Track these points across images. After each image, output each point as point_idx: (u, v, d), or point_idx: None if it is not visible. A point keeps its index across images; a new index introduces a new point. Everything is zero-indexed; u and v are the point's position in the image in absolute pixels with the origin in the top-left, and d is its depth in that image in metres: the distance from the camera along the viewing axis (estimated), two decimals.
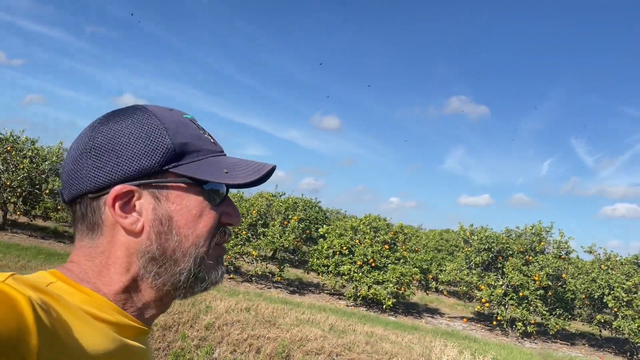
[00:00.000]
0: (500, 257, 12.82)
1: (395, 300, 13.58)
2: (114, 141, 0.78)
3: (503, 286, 12.12)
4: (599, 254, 13.47)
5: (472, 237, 13.07)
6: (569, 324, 12.44)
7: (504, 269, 12.34)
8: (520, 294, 11.78)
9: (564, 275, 12.05)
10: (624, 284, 12.18)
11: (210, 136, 0.89)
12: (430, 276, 13.58)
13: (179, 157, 0.80)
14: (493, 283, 12.26)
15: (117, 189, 0.77)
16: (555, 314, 12.50)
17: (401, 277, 11.94)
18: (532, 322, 11.91)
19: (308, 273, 13.59)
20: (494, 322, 12.52)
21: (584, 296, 12.80)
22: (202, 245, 0.81)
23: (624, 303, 12.12)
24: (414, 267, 12.27)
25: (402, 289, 12.10)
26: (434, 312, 14.44)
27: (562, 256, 12.60)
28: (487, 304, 12.14)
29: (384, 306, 11.75)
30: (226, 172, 0.82)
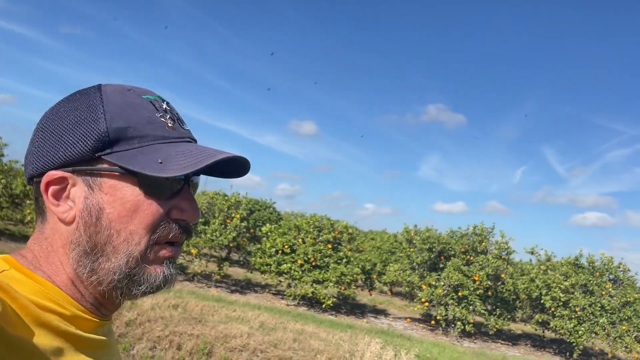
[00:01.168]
0: (442, 257, 12.90)
1: (340, 300, 13.55)
2: (55, 124, 0.74)
3: (445, 286, 12.18)
4: (539, 255, 13.68)
5: (416, 237, 13.13)
6: (509, 324, 12.57)
7: (446, 269, 12.42)
8: (460, 293, 11.86)
9: (502, 276, 12.18)
10: (561, 284, 12.38)
11: (172, 120, 0.79)
12: (374, 276, 13.57)
13: (112, 144, 0.73)
14: (434, 283, 12.31)
15: (49, 174, 0.73)
16: (496, 314, 12.63)
17: (342, 277, 11.90)
18: (472, 321, 11.99)
19: (252, 272, 13.45)
20: (433, 322, 12.58)
21: (524, 296, 12.97)
22: (136, 243, 0.73)
23: (561, 303, 12.32)
24: (356, 267, 12.25)
25: (342, 288, 12.06)
26: (380, 312, 14.44)
27: (503, 257, 12.75)
28: (426, 304, 12.18)
29: (324, 305, 11.68)
30: (160, 163, 0.72)
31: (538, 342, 14.04)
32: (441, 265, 12.81)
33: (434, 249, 12.73)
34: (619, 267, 13.50)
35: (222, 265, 11.83)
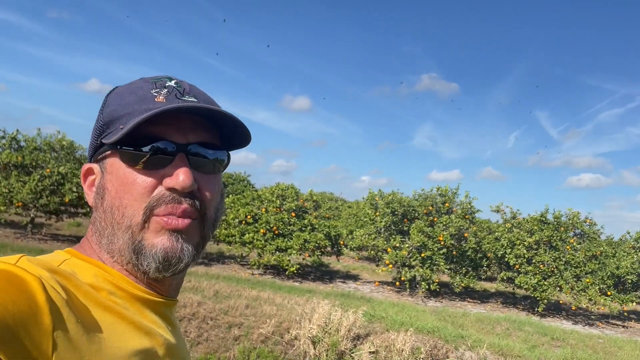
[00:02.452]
0: (406, 220, 12.90)
1: (312, 267, 13.58)
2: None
3: (409, 248, 12.20)
4: (505, 213, 13.69)
5: (380, 201, 13.10)
6: (475, 282, 12.64)
7: (410, 231, 12.42)
8: (423, 254, 11.89)
9: (465, 234, 12.20)
10: (525, 241, 12.42)
11: (169, 92, 0.78)
12: (342, 242, 13.58)
13: (106, 127, 0.77)
14: (399, 245, 12.33)
15: (83, 167, 0.82)
16: (461, 272, 12.70)
17: (305, 244, 11.89)
18: (436, 281, 12.06)
19: (218, 244, 13.44)
20: (397, 284, 12.65)
21: (490, 255, 13.03)
22: (131, 215, 0.73)
23: (525, 260, 12.38)
24: (320, 234, 12.23)
25: (306, 255, 12.06)
26: (351, 278, 14.49)
27: (467, 216, 12.75)
28: (390, 266, 12.22)
29: (287, 272, 11.70)
30: (121, 128, 0.73)
31: (510, 300, 14.17)
32: (405, 228, 12.81)
33: (397, 212, 12.71)
34: (585, 222, 13.54)
35: None
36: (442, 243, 11.97)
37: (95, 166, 0.80)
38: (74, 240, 13.06)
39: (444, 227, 12.24)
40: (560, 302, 12.22)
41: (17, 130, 12.35)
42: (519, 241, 12.42)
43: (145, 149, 0.74)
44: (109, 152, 0.77)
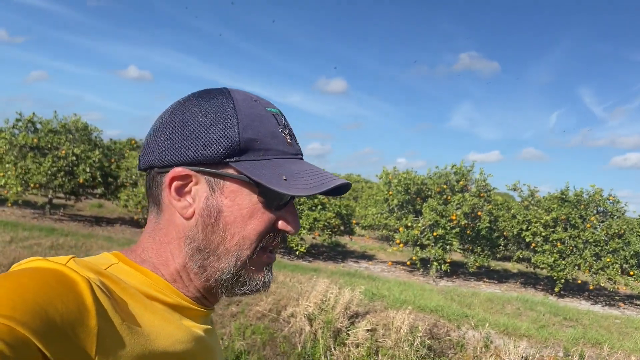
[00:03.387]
0: (419, 198, 12.65)
1: (327, 247, 13.53)
2: (187, 123, 0.77)
3: (422, 227, 11.99)
4: (522, 191, 13.27)
5: (393, 180, 12.88)
6: (488, 262, 12.35)
7: (423, 210, 12.19)
8: (434, 233, 11.66)
9: (479, 213, 11.88)
10: (541, 219, 12.03)
11: (290, 135, 0.83)
12: (354, 221, 13.45)
13: (241, 152, 0.77)
14: (411, 224, 12.12)
15: (177, 170, 0.77)
16: (476, 252, 12.42)
17: (315, 223, 11.82)
18: (449, 260, 11.83)
19: None
20: (408, 263, 12.47)
21: (506, 233, 12.69)
22: (246, 248, 0.78)
23: (541, 238, 12.00)
24: (329, 212, 12.14)
25: (316, 234, 12.00)
26: (366, 257, 14.38)
27: (482, 194, 12.42)
28: (401, 245, 12.04)
29: (297, 252, 11.68)
30: (285, 180, 0.76)
31: (530, 280, 13.81)
32: (418, 207, 12.58)
33: (409, 190, 12.48)
34: (609, 199, 13.01)
35: None
36: (455, 222, 11.71)
37: (197, 176, 0.78)
38: (92, 221, 13.36)
39: (458, 205, 11.95)
40: (579, 281, 11.80)
41: (34, 113, 12.60)
42: (535, 219, 12.03)
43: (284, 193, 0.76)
44: (235, 179, 0.77)
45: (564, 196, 13.01)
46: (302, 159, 0.85)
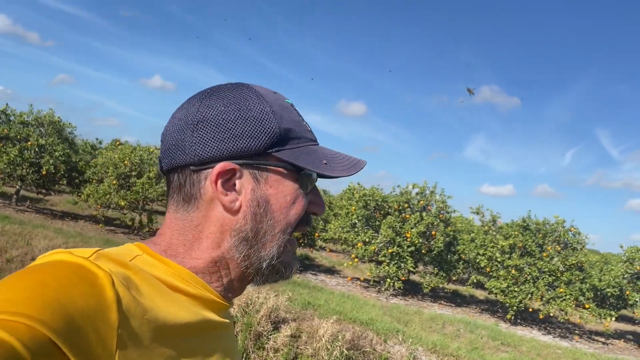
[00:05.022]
0: (379, 215, 12.72)
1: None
2: (223, 117, 0.78)
3: (381, 244, 12.02)
4: (484, 216, 13.31)
5: (356, 194, 12.97)
6: (443, 283, 12.34)
7: (380, 227, 12.24)
8: (389, 250, 11.69)
9: (434, 233, 11.92)
10: (498, 244, 12.05)
11: (307, 124, 0.88)
12: (316, 234, 13.50)
13: (282, 142, 0.80)
14: (369, 240, 12.17)
15: (222, 165, 0.77)
16: (434, 272, 12.42)
17: None
18: (403, 279, 11.84)
19: None
20: (362, 279, 12.48)
21: (464, 256, 12.69)
22: (288, 233, 0.81)
23: (497, 264, 12.00)
24: None
25: None
26: (331, 272, 14.37)
27: (440, 215, 12.46)
28: (356, 260, 12.07)
29: None
30: (325, 163, 0.82)
31: (494, 306, 13.74)
32: (378, 224, 12.64)
33: (369, 206, 12.55)
34: (570, 230, 13.01)
35: (152, 217, 12.01)
36: (409, 240, 11.74)
37: (241, 170, 0.79)
38: (60, 215, 13.48)
39: (415, 224, 12.00)
40: (530, 309, 11.76)
41: (7, 105, 12.86)
42: (492, 244, 12.05)
43: (310, 173, 0.82)
44: (276, 167, 0.79)
45: (526, 224, 13.03)
46: (319, 145, 0.88)
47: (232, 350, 0.85)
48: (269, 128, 0.78)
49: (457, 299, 14.04)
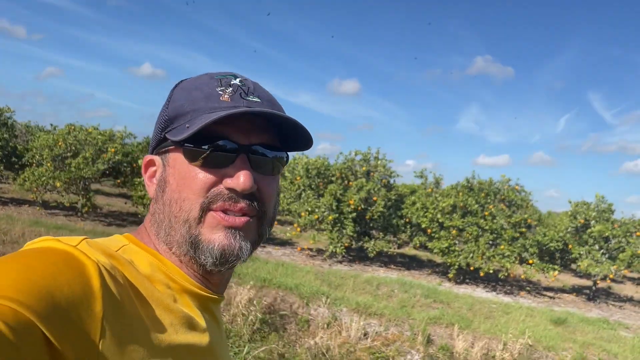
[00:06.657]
0: (322, 184, 12.72)
1: None
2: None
3: (325, 212, 12.04)
4: (427, 178, 13.36)
5: (299, 165, 12.95)
6: (387, 247, 12.44)
7: (323, 195, 12.26)
8: (330, 217, 11.73)
9: (375, 198, 11.95)
10: (438, 205, 12.12)
11: (235, 91, 0.79)
12: None
13: (171, 122, 0.79)
14: (311, 209, 12.18)
15: (144, 158, 0.85)
16: (377, 237, 12.50)
17: None
18: (346, 245, 11.90)
19: (136, 206, 13.51)
20: (306, 247, 12.53)
21: (408, 220, 12.77)
22: (188, 209, 0.76)
23: (437, 225, 12.09)
24: None
25: None
26: (285, 244, 14.40)
27: (383, 180, 12.49)
28: (298, 229, 12.11)
29: None
30: (187, 127, 0.75)
31: (442, 268, 13.87)
32: (321, 192, 12.64)
33: (311, 175, 12.55)
34: (515, 189, 13.12)
35: (88, 197, 11.92)
36: (352, 207, 11.77)
37: (157, 158, 0.83)
38: (6, 202, 13.35)
39: (357, 191, 12.02)
40: (471, 268, 11.87)
41: None
42: (433, 205, 12.12)
43: (206, 146, 0.76)
44: (172, 147, 0.79)
45: (470, 184, 13.11)
46: (250, 108, 0.76)
47: (219, 343, 0.83)
48: (163, 114, 0.81)
49: (409, 264, 14.16)
